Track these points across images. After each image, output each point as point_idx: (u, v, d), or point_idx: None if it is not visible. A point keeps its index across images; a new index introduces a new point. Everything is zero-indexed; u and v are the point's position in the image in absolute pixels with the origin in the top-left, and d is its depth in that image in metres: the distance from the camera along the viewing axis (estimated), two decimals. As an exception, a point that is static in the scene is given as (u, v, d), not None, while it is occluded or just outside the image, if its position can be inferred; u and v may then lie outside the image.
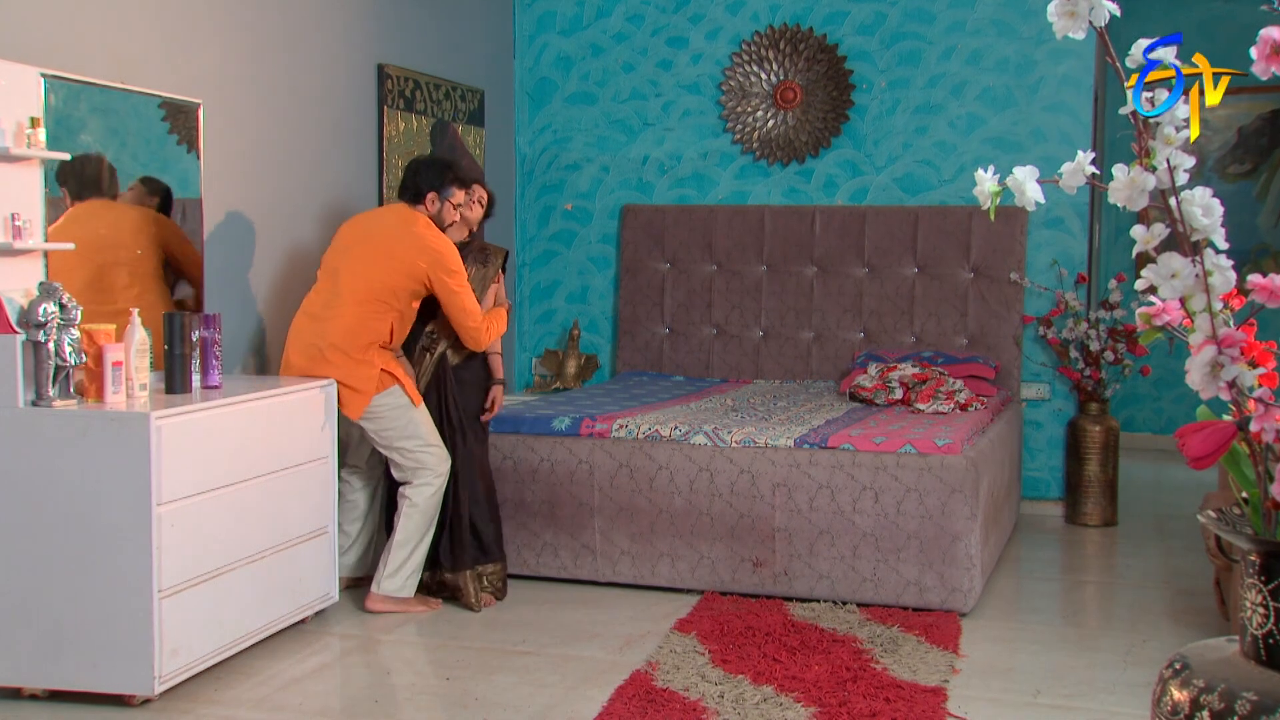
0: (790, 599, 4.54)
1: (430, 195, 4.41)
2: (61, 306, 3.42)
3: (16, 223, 3.49)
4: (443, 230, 4.45)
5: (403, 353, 4.54)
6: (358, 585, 4.67)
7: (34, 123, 3.53)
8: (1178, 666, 1.86)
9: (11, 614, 3.43)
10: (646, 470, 4.68)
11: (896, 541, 4.41)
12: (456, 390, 4.55)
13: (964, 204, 6.16)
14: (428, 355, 4.57)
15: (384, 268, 4.28)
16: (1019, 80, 6.12)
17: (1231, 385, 1.77)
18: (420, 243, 4.31)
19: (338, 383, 4.25)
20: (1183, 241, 1.80)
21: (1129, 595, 4.78)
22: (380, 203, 5.52)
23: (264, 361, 4.79)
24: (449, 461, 4.44)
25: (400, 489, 4.41)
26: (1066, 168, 1.86)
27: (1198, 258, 1.78)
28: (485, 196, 4.65)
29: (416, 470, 4.37)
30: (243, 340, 4.66)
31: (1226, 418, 1.83)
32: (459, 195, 4.47)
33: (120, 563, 3.38)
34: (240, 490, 3.75)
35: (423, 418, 4.39)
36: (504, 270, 4.73)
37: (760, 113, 6.46)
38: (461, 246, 4.58)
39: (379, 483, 4.69)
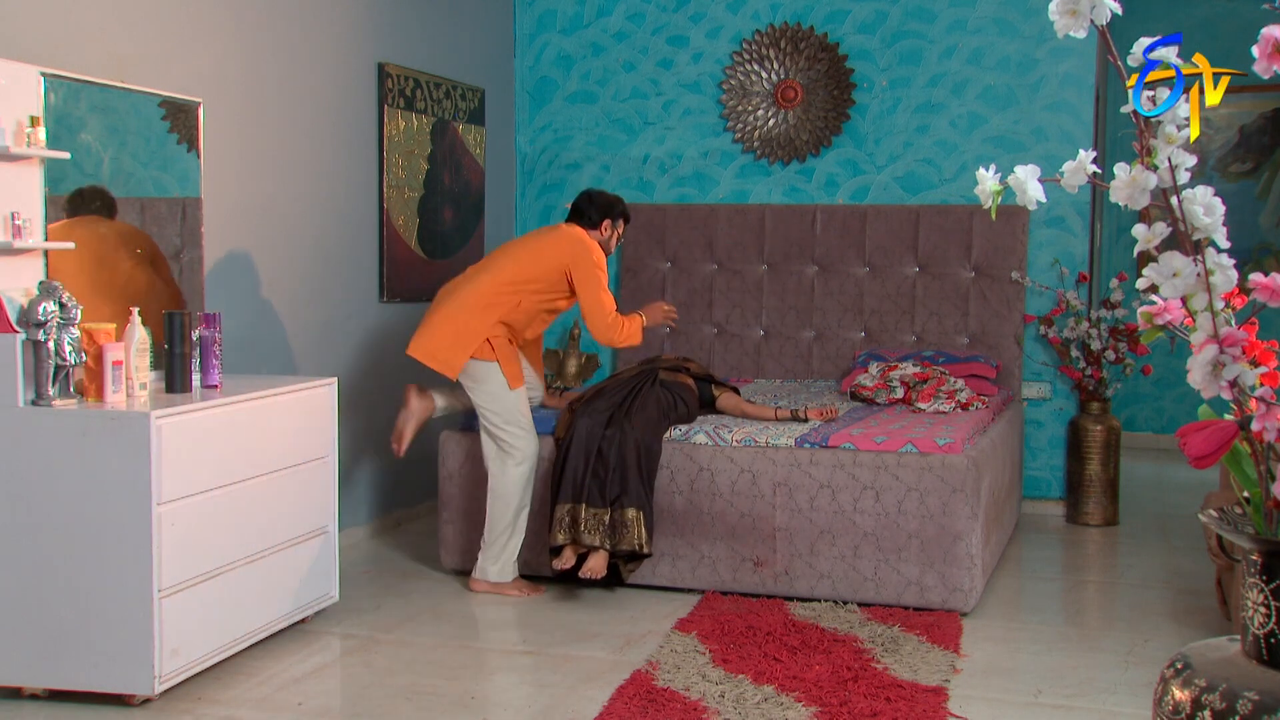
0: (791, 599, 4.54)
1: (605, 222, 4.92)
2: (61, 305, 3.42)
3: (16, 221, 3.49)
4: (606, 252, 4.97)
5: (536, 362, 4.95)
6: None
7: (34, 121, 3.52)
8: (1179, 666, 1.85)
9: (11, 614, 3.43)
10: (647, 470, 4.67)
11: (897, 541, 4.41)
12: (661, 389, 4.79)
13: (965, 203, 6.15)
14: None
15: (529, 259, 4.71)
16: (1020, 79, 6.12)
17: (1233, 384, 1.76)
18: (571, 236, 4.74)
19: (443, 344, 4.55)
20: (1184, 240, 1.80)
21: (1130, 595, 4.77)
22: (380, 201, 5.53)
23: (263, 361, 4.79)
24: (535, 447, 4.65)
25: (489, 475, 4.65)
26: (1068, 166, 1.86)
27: (1199, 257, 1.78)
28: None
29: (498, 452, 4.61)
30: (243, 340, 4.66)
31: (1228, 417, 1.82)
32: (622, 226, 5.05)
33: (120, 563, 3.38)
34: (240, 490, 3.75)
35: (515, 399, 4.61)
36: (691, 375, 5.09)
37: (761, 111, 6.46)
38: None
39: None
